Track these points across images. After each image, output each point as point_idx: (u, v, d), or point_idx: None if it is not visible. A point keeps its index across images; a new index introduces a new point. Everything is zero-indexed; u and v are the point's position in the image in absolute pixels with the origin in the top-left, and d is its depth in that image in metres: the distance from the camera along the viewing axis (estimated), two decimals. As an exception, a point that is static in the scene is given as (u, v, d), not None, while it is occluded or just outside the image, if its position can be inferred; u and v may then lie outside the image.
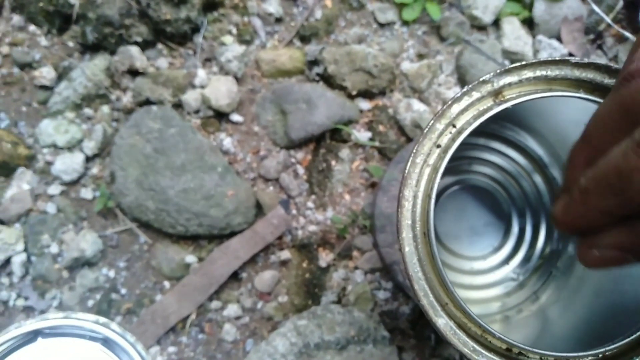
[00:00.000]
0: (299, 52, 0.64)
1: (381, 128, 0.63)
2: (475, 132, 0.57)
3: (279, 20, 0.66)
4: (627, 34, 0.67)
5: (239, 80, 0.63)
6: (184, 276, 0.60)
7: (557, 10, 0.67)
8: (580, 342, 0.43)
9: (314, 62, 0.64)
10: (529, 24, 0.69)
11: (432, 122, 0.36)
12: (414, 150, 0.35)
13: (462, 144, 0.59)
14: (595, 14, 0.68)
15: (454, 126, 0.37)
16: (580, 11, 0.68)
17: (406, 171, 0.35)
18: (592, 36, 0.69)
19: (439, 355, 0.57)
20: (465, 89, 0.36)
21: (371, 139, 0.63)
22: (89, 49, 0.65)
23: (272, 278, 0.60)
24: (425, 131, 0.35)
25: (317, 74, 0.64)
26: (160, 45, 0.65)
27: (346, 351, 0.54)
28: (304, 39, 0.66)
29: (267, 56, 0.64)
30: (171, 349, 0.59)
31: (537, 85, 0.37)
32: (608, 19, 0.67)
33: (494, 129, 0.55)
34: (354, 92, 0.63)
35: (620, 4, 0.69)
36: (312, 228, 0.61)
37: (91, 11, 0.62)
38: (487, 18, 0.67)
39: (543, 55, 0.67)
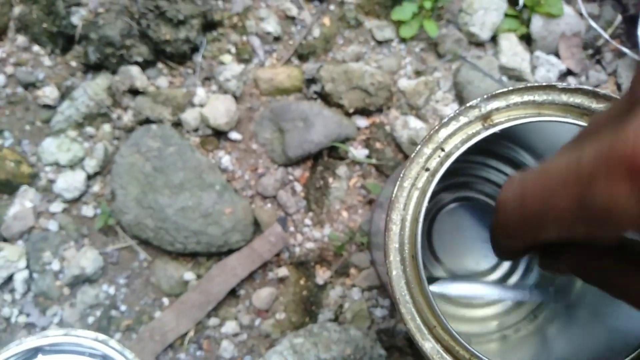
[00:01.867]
0: (296, 71, 0.65)
1: (378, 145, 0.63)
2: (473, 151, 0.57)
3: (277, 39, 0.67)
4: (626, 50, 0.67)
5: (237, 98, 0.64)
6: (182, 293, 0.60)
7: (554, 26, 0.67)
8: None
9: (311, 81, 0.64)
10: (527, 40, 0.69)
11: (419, 146, 0.36)
12: (402, 175, 0.36)
13: (459, 162, 0.59)
14: (593, 29, 0.68)
15: (443, 150, 0.37)
16: (578, 27, 0.68)
17: (393, 195, 0.36)
18: (590, 51, 0.69)
19: (436, 374, 0.57)
20: (452, 114, 0.36)
21: (368, 156, 0.63)
22: (91, 68, 0.66)
23: (269, 295, 0.60)
24: (412, 155, 0.36)
25: (315, 92, 0.64)
26: (160, 65, 0.66)
27: (342, 369, 0.55)
28: (302, 57, 0.66)
29: (266, 75, 0.65)
30: (170, 365, 0.59)
31: (526, 110, 0.37)
32: (606, 35, 0.67)
33: (491, 146, 0.55)
34: (351, 110, 0.63)
35: (619, 19, 0.69)
36: (310, 245, 0.61)
37: (93, 32, 0.63)
38: (485, 34, 0.67)
39: (541, 71, 0.67)
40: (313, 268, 0.61)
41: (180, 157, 0.60)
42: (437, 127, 0.36)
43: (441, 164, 0.36)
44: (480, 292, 0.55)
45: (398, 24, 0.68)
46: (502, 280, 0.57)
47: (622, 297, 0.23)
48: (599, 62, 0.69)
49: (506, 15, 0.68)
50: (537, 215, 0.21)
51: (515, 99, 0.37)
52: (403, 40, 0.68)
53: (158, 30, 0.62)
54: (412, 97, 0.65)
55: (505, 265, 0.57)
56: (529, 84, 0.36)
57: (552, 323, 0.54)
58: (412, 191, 0.36)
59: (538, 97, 0.36)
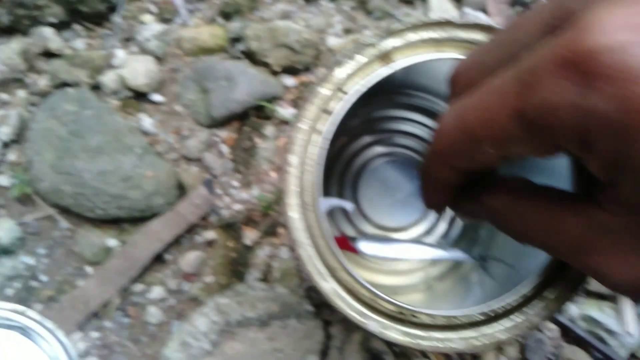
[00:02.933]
0: (221, 30, 0.63)
1: (306, 104, 0.62)
2: (392, 104, 0.57)
3: (200, -3, 0.64)
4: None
5: (160, 59, 0.62)
6: (106, 260, 0.58)
7: (482, -17, 0.67)
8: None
9: (236, 39, 0.63)
10: (455, -4, 0.68)
11: (315, 87, 0.35)
12: (298, 116, 0.35)
13: (381, 117, 0.59)
14: (520, -15, 0.68)
15: (344, 92, 0.36)
16: (505, -17, 0.68)
17: (290, 137, 0.35)
18: (519, 8, 0.69)
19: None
20: (347, 53, 0.35)
21: (296, 116, 0.62)
22: (3, 32, 0.62)
23: (197, 259, 0.59)
24: (308, 96, 0.35)
25: (241, 51, 0.63)
26: (76, 26, 0.63)
27: (269, 327, 0.54)
28: (227, 17, 0.64)
29: (189, 34, 0.62)
30: (94, 334, 0.57)
31: (427, 48, 0.37)
32: (532, -10, 0.68)
33: (412, 100, 0.54)
34: (278, 69, 0.62)
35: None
36: (237, 207, 0.60)
37: (3, -8, 0.60)
38: (413, -8, 0.67)
39: (469, 28, 0.67)
40: (241, 229, 0.60)
41: (98, 120, 0.58)
42: (332, 67, 0.35)
43: (343, 106, 0.36)
44: (403, 255, 0.55)
45: (325, -19, 0.67)
46: (427, 233, 0.57)
47: (536, 243, 0.22)
48: (526, 18, 0.70)
49: (434, -28, 0.68)
50: (474, 137, 0.20)
51: (412, 36, 0.36)
52: (331, -2, 0.67)
53: (71, -12, 0.59)
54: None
55: (431, 218, 0.57)
56: (425, 20, 0.35)
57: (475, 271, 0.54)
58: (312, 134, 0.36)
59: (436, 34, 0.36)
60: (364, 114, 0.56)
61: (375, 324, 0.34)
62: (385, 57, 0.36)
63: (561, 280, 0.34)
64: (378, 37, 0.35)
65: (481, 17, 0.67)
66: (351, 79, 0.36)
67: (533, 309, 0.34)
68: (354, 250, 0.54)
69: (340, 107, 0.36)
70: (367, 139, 0.57)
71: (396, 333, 0.33)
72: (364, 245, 0.55)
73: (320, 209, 0.35)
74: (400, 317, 0.34)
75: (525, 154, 0.19)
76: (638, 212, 0.16)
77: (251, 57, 0.62)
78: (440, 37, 0.36)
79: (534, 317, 0.34)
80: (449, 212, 0.56)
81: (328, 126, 0.36)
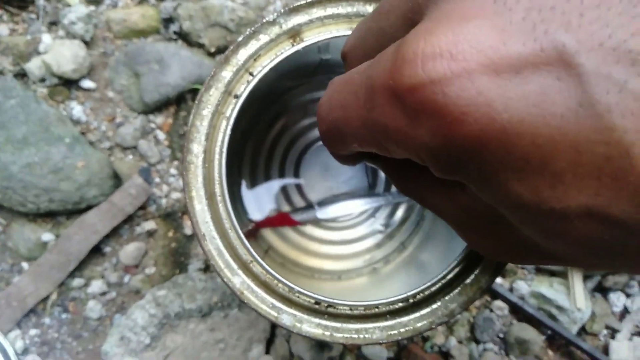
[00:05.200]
0: (152, 10, 0.60)
1: (244, 86, 0.60)
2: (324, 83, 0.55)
3: (130, -24, 0.61)
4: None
5: (88, 43, 0.59)
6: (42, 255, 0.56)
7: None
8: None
9: (169, 20, 0.60)
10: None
11: (215, 70, 0.33)
12: (198, 101, 0.33)
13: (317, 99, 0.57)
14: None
15: (251, 74, 0.34)
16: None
17: (190, 124, 0.33)
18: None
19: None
20: (248, 32, 0.33)
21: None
22: None
23: (137, 250, 0.57)
24: (208, 80, 0.33)
25: (175, 32, 0.60)
26: (-2, 10, 0.59)
27: (210, 317, 0.53)
28: (159, -4, 0.61)
29: (118, 16, 0.59)
30: (33, 331, 0.56)
31: (338, 25, 0.35)
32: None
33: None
34: (213, 49, 0.59)
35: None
36: (176, 195, 0.58)
37: None
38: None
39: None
40: (181, 219, 0.58)
41: (22, 109, 0.55)
42: (232, 48, 0.33)
43: (250, 88, 0.34)
44: (344, 211, 0.54)
45: (263, -45, 0.64)
46: (371, 216, 0.56)
47: (432, 210, 0.21)
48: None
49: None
50: (339, 128, 0.19)
51: (318, 12, 0.34)
52: (269, -27, 0.64)
53: (-13, -30, 0.56)
54: (280, 33, 0.62)
55: (373, 202, 0.56)
56: (329, -5, 0.33)
57: (421, 253, 0.54)
58: (218, 120, 0.34)
59: (343, 9, 0.34)
60: (303, 94, 0.54)
61: (288, 317, 0.32)
62: (294, 35, 0.34)
63: (479, 266, 0.33)
64: (282, 15, 0.33)
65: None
66: (258, 59, 0.34)
67: (451, 295, 0.33)
68: (296, 223, 0.53)
69: (249, 89, 0.34)
70: (308, 120, 0.55)
71: (310, 326, 0.32)
72: (306, 213, 0.54)
73: (227, 195, 0.33)
74: (317, 309, 0.33)
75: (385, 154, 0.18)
76: (485, 201, 0.16)
77: (185, 38, 0.60)
78: (347, 12, 0.34)
79: (452, 304, 0.33)
80: (392, 198, 0.55)
81: (235, 111, 0.34)
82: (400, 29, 0.18)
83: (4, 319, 0.55)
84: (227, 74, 0.33)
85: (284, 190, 0.55)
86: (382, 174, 0.55)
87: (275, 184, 0.56)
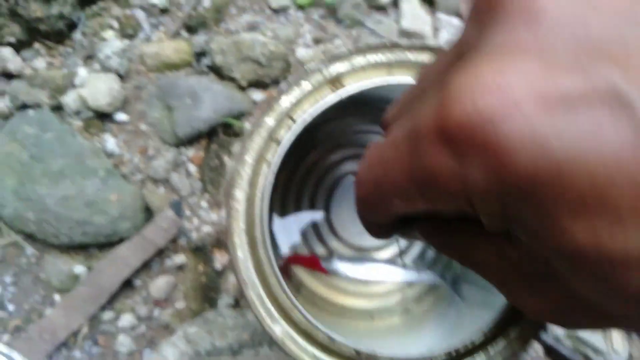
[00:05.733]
0: (185, 44, 0.61)
1: (275, 119, 0.60)
2: (366, 118, 0.55)
3: (164, 11, 0.62)
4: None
5: (123, 77, 0.60)
6: (74, 288, 0.57)
7: (456, -14, 0.65)
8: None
9: (201, 54, 0.61)
10: (429, 2, 0.66)
11: (259, 117, 0.33)
12: (242, 148, 0.33)
13: (354, 131, 0.57)
14: (496, -13, 0.66)
15: (293, 119, 0.34)
16: (480, -14, 0.66)
17: (233, 170, 0.33)
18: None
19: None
20: (292, 80, 0.33)
21: (266, 131, 0.60)
22: (-39, 52, 0.61)
23: (167, 284, 0.57)
24: (252, 127, 0.33)
25: (207, 66, 0.61)
26: (37, 45, 0.61)
27: (241, 355, 0.52)
28: (192, 30, 0.62)
29: (152, 50, 0.60)
30: (63, 364, 0.56)
31: (378, 71, 0.35)
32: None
33: (376, 113, 0.52)
34: (244, 83, 0.60)
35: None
36: (207, 229, 0.58)
37: (-42, 12, 0.58)
38: (385, -3, 0.64)
39: (443, 34, 0.64)
40: (211, 252, 0.58)
41: (59, 143, 0.56)
42: (276, 96, 0.33)
43: (293, 133, 0.34)
44: (376, 276, 0.53)
45: (294, -10, 0.64)
46: (401, 254, 0.55)
47: (475, 269, 0.21)
48: (503, 21, 0.67)
49: (407, -24, 0.66)
50: (381, 189, 0.19)
51: (359, 60, 0.34)
52: (300, 7, 0.65)
53: (27, 7, 0.57)
54: (311, 66, 0.62)
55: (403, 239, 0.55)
56: (371, 44, 0.33)
57: (453, 293, 0.53)
58: (260, 165, 0.34)
59: (384, 57, 0.34)
60: (336, 127, 0.54)
61: (330, 369, 0.32)
62: (335, 82, 0.34)
63: (524, 318, 0.32)
64: (324, 63, 0.33)
65: (455, 23, 0.64)
66: (299, 106, 0.34)
67: (495, 348, 0.32)
68: (324, 271, 0.53)
69: (291, 135, 0.34)
70: (339, 154, 0.55)
71: (352, 378, 0.32)
72: (336, 265, 0.53)
73: (269, 243, 0.33)
74: (357, 359, 0.33)
75: (432, 210, 0.17)
76: (537, 253, 0.15)
77: (217, 71, 0.60)
78: (389, 60, 0.34)
79: (497, 357, 0.32)
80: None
81: (277, 157, 0.34)
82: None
83: (36, 352, 0.55)
84: (270, 120, 0.33)
85: (314, 225, 0.55)
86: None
87: (305, 217, 0.56)
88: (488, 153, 0.13)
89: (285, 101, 0.33)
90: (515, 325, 0.32)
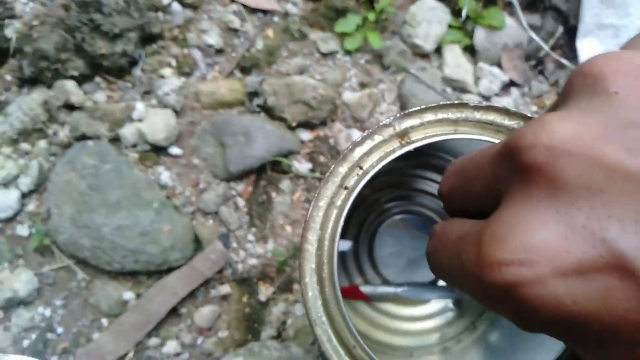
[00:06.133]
0: (239, 84, 0.64)
1: (322, 159, 0.63)
2: (412, 165, 0.57)
3: (219, 51, 0.66)
4: (566, 62, 0.68)
5: (178, 112, 0.63)
6: (122, 313, 0.59)
7: (497, 38, 0.68)
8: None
9: (254, 94, 0.64)
10: (470, 51, 0.69)
11: (334, 165, 0.35)
12: (317, 194, 0.35)
13: (401, 174, 0.59)
14: (535, 41, 0.69)
15: (361, 168, 0.37)
16: (520, 38, 0.69)
17: (309, 214, 0.35)
18: (533, 62, 0.70)
19: (379, 389, 0.57)
20: (366, 133, 0.36)
21: (312, 170, 0.63)
22: (26, 83, 0.64)
23: (212, 313, 0.59)
24: (327, 175, 0.35)
25: (258, 106, 0.64)
26: (98, 79, 0.64)
27: (283, 388, 0.54)
28: (245, 70, 0.66)
29: (207, 88, 0.64)
30: (108, 389, 0.57)
31: (443, 127, 0.37)
32: (547, 47, 0.68)
33: (429, 159, 0.55)
34: (294, 124, 0.63)
35: (560, 30, 0.70)
36: (252, 261, 0.60)
37: (27, 45, 0.61)
38: (429, 46, 0.67)
39: (484, 83, 0.67)
40: (256, 284, 0.60)
41: (117, 174, 0.59)
42: (351, 147, 0.35)
43: (359, 181, 0.36)
44: (417, 295, 0.55)
45: (342, 36, 0.68)
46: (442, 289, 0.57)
47: None
48: (541, 72, 0.70)
49: (450, 26, 0.69)
50: (446, 275, 0.22)
51: (429, 117, 0.36)
52: (348, 52, 0.68)
53: (94, 44, 0.61)
54: (357, 109, 0.65)
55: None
56: (441, 102, 0.36)
57: (492, 333, 0.54)
58: (330, 210, 0.36)
59: (452, 114, 0.36)
60: (392, 170, 0.56)
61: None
62: (402, 135, 0.37)
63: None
64: (397, 119, 0.36)
65: (496, 72, 0.67)
66: (369, 156, 0.37)
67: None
68: (366, 298, 0.54)
69: (358, 183, 0.36)
70: (389, 194, 0.57)
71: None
72: (375, 289, 0.55)
73: (337, 284, 0.35)
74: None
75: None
76: None
77: (268, 111, 0.63)
78: (456, 117, 0.36)
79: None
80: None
81: (346, 202, 0.36)
82: (485, 199, 0.20)
83: (83, 375, 0.57)
84: (343, 169, 0.36)
85: (357, 262, 0.57)
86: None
87: (348, 255, 0.57)
88: (515, 307, 0.16)
89: (359, 152, 0.36)
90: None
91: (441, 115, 0.36)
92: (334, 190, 0.36)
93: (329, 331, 0.35)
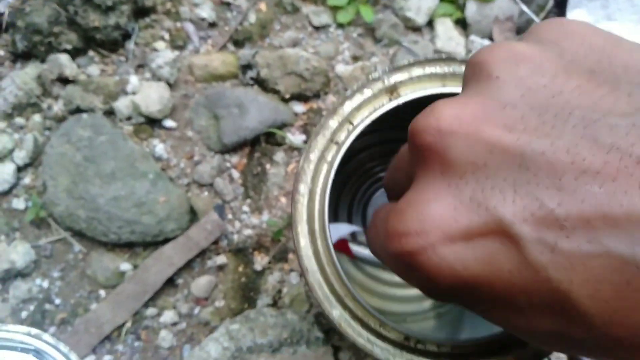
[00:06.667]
0: (232, 57, 0.65)
1: (315, 130, 0.63)
2: (401, 129, 0.58)
3: (212, 25, 0.66)
4: (557, 32, 0.69)
5: (172, 85, 0.63)
6: (119, 284, 0.59)
7: (488, 11, 0.68)
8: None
9: (247, 67, 0.64)
10: (462, 24, 0.70)
11: (324, 119, 0.36)
12: (307, 147, 0.36)
13: (390, 140, 0.60)
14: (526, 13, 0.69)
15: (351, 123, 0.37)
16: (511, 11, 0.69)
17: (300, 167, 0.36)
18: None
19: (374, 354, 0.58)
20: (355, 87, 0.36)
21: (305, 142, 0.63)
22: (20, 57, 0.64)
23: (208, 283, 0.60)
24: (317, 128, 0.36)
25: (251, 78, 0.64)
26: (91, 53, 0.64)
27: (279, 353, 0.54)
28: (238, 44, 0.66)
29: (200, 61, 0.64)
30: (107, 357, 0.58)
31: (432, 82, 0.38)
32: (537, 20, 0.69)
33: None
34: (287, 96, 0.63)
35: (551, 3, 0.71)
36: (248, 232, 0.61)
37: (20, 19, 0.61)
38: (421, 19, 0.68)
39: (475, 55, 0.68)
40: (251, 254, 0.61)
41: (111, 146, 0.59)
42: (341, 100, 0.36)
43: (348, 136, 0.37)
44: None
45: (335, 9, 0.68)
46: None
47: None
48: (532, 44, 0.70)
49: (441, 0, 0.69)
50: (376, 252, 0.23)
51: (417, 71, 0.37)
52: (340, 25, 0.68)
53: (86, 17, 0.61)
54: (350, 82, 0.65)
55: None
56: (429, 57, 0.36)
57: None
58: (321, 164, 0.36)
59: (440, 69, 0.37)
60: (373, 138, 0.57)
61: (382, 351, 0.34)
62: (391, 90, 0.37)
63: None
64: (385, 73, 0.36)
65: (486, 45, 0.68)
66: (359, 111, 0.37)
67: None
68: (350, 254, 0.55)
69: (348, 138, 0.37)
70: (375, 164, 0.58)
71: (403, 361, 0.34)
72: (362, 251, 0.56)
73: (329, 234, 0.36)
74: (406, 345, 0.35)
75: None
76: None
77: (261, 84, 0.64)
78: (444, 72, 0.37)
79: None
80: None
81: (336, 156, 0.37)
82: (406, 184, 0.22)
83: (82, 344, 0.57)
84: (333, 123, 0.36)
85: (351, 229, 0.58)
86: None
87: (342, 229, 0.58)
88: (418, 273, 0.18)
89: (349, 106, 0.36)
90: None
91: (429, 69, 0.37)
92: (324, 144, 0.37)
93: (320, 279, 0.35)
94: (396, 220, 0.18)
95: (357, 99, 0.37)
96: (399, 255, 0.18)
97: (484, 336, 0.34)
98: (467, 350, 0.35)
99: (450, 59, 0.36)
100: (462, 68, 0.37)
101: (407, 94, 0.37)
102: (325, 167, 0.36)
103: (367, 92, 0.37)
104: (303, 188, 0.36)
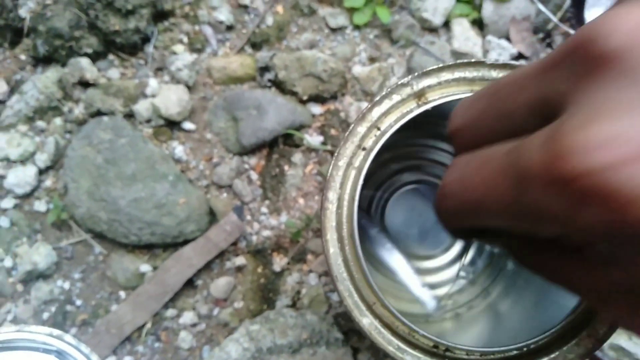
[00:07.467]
0: (250, 59, 0.65)
1: (333, 132, 0.64)
2: (422, 133, 0.58)
3: (230, 27, 0.66)
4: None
5: (190, 88, 0.64)
6: (139, 285, 0.60)
7: (505, 11, 0.68)
8: (530, 335, 0.44)
9: (265, 69, 0.64)
10: (479, 24, 0.70)
11: (353, 125, 0.36)
12: (337, 154, 0.36)
13: (413, 145, 0.60)
14: (543, 13, 0.69)
15: (378, 128, 0.37)
16: (528, 11, 0.69)
17: (329, 174, 0.36)
18: (541, 35, 0.70)
19: (393, 356, 0.58)
20: (384, 92, 0.36)
21: (323, 143, 0.63)
22: (41, 61, 0.65)
23: (227, 284, 0.60)
24: (347, 134, 0.36)
25: (269, 80, 0.64)
26: (111, 56, 0.65)
27: (299, 354, 0.55)
28: (256, 46, 0.66)
29: (219, 64, 0.64)
30: (127, 358, 0.59)
31: (459, 87, 0.38)
32: (555, 19, 0.69)
33: (437, 128, 0.55)
34: (305, 97, 0.63)
35: (568, 2, 0.70)
36: (266, 233, 0.61)
37: (41, 24, 0.62)
38: (437, 20, 0.68)
39: (493, 55, 0.68)
40: (270, 255, 0.61)
41: (132, 148, 0.60)
42: (369, 106, 0.36)
43: (376, 142, 0.37)
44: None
45: (351, 11, 0.68)
46: (454, 262, 0.58)
47: (558, 284, 0.21)
48: (549, 45, 0.70)
49: (458, 0, 0.69)
50: (475, 205, 0.20)
51: (446, 75, 0.37)
52: (357, 27, 0.68)
53: (107, 21, 0.61)
54: (366, 83, 0.65)
55: (457, 246, 0.58)
56: (458, 61, 0.37)
57: (504, 299, 0.55)
58: (349, 170, 0.37)
59: (469, 73, 0.37)
60: (394, 142, 0.57)
61: (412, 359, 0.34)
62: (419, 95, 0.38)
63: (595, 317, 0.34)
64: (415, 78, 0.37)
65: (504, 45, 0.67)
66: (387, 116, 0.37)
67: (569, 346, 0.34)
68: None
69: (375, 143, 0.37)
70: (396, 166, 0.58)
71: (433, 369, 0.34)
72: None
73: (357, 241, 0.36)
74: (435, 352, 0.35)
75: (529, 233, 0.19)
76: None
77: (279, 86, 0.64)
78: (473, 76, 0.37)
79: (570, 354, 0.34)
80: (474, 242, 0.57)
81: (364, 162, 0.37)
82: (528, 118, 0.19)
83: (102, 345, 0.58)
84: (361, 129, 0.37)
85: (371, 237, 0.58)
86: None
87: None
88: (605, 201, 0.14)
89: (377, 112, 0.37)
90: (586, 324, 0.34)
91: (458, 74, 0.37)
92: (352, 150, 0.37)
93: (350, 287, 0.36)
94: (575, 133, 0.15)
95: (386, 104, 0.37)
96: (581, 176, 0.14)
97: (511, 346, 0.34)
98: (495, 357, 0.35)
99: (479, 63, 0.37)
100: (491, 72, 0.37)
101: (435, 99, 0.37)
102: (353, 173, 0.37)
103: (396, 98, 0.37)
104: (332, 195, 0.36)
